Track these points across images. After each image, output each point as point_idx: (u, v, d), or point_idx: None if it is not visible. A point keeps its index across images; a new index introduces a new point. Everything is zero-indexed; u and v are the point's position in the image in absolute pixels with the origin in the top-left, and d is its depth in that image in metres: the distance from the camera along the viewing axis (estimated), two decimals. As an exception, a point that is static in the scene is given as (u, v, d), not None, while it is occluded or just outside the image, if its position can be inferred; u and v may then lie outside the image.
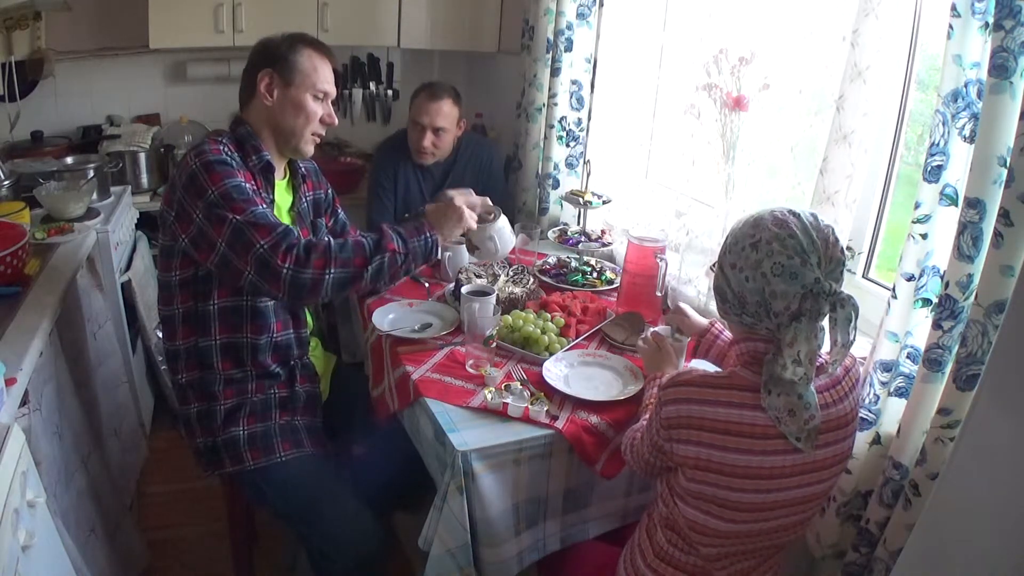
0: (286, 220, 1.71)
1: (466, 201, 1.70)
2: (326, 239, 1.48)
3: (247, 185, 1.50)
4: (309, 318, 1.79)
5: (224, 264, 1.47)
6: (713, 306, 1.72)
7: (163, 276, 1.59)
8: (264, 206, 1.49)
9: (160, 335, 2.53)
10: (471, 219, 1.68)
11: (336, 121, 1.69)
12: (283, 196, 1.71)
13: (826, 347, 1.10)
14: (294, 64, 1.59)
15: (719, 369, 1.51)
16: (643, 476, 1.30)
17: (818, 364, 1.11)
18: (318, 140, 1.69)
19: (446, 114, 2.41)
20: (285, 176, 1.73)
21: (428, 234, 1.58)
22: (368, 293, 1.91)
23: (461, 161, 2.58)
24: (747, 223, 1.12)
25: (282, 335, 1.65)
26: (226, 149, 1.53)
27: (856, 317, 1.05)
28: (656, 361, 1.48)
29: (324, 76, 1.62)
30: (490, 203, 1.76)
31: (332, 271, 1.45)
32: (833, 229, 1.08)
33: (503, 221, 1.75)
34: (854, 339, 1.07)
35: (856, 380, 1.21)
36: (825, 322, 1.07)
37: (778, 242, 1.05)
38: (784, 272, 1.04)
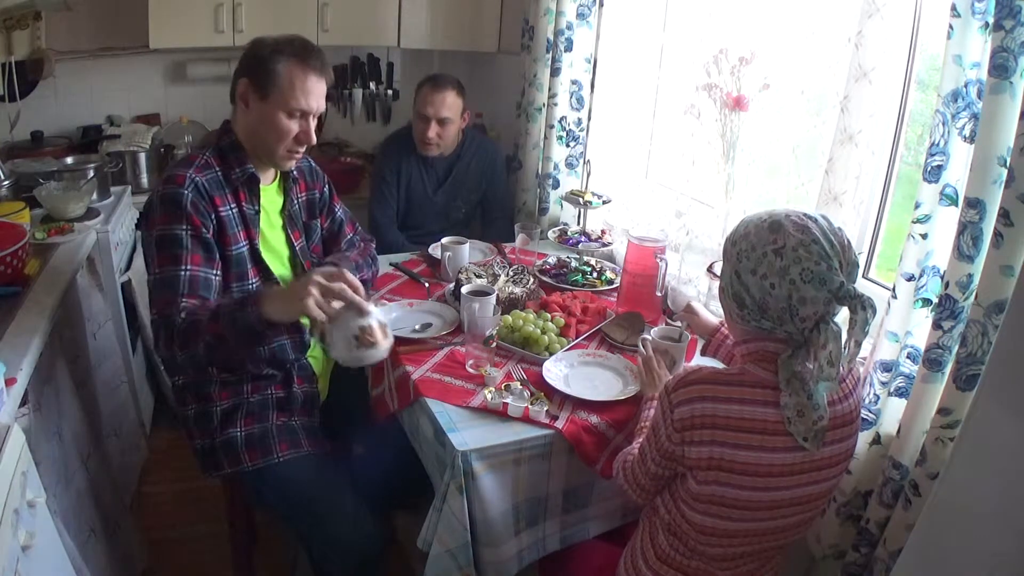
0: (277, 224, 1.68)
1: (329, 278, 1.34)
2: (178, 319, 1.39)
3: (187, 235, 1.46)
4: (306, 319, 1.77)
5: None
6: (715, 305, 1.72)
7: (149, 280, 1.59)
8: (188, 268, 1.44)
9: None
10: (315, 308, 1.30)
11: (314, 140, 1.58)
12: (272, 200, 1.68)
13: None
14: (271, 76, 1.50)
15: (725, 367, 1.51)
16: (640, 497, 1.28)
17: None
18: (297, 156, 1.61)
19: (450, 105, 2.42)
20: (275, 179, 1.70)
21: (250, 309, 1.34)
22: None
23: (465, 157, 2.59)
24: (762, 227, 1.09)
25: (276, 342, 1.63)
26: (195, 173, 1.50)
27: (874, 317, 1.05)
28: (651, 384, 1.47)
29: (302, 92, 1.51)
30: (361, 304, 1.35)
31: (180, 353, 1.40)
32: (844, 231, 1.09)
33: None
34: (866, 335, 1.07)
35: (857, 379, 1.21)
36: (843, 322, 1.07)
37: (803, 248, 1.04)
38: (814, 278, 1.04)
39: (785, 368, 1.09)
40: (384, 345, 1.36)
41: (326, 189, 1.84)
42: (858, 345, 1.07)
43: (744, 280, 1.10)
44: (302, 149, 1.61)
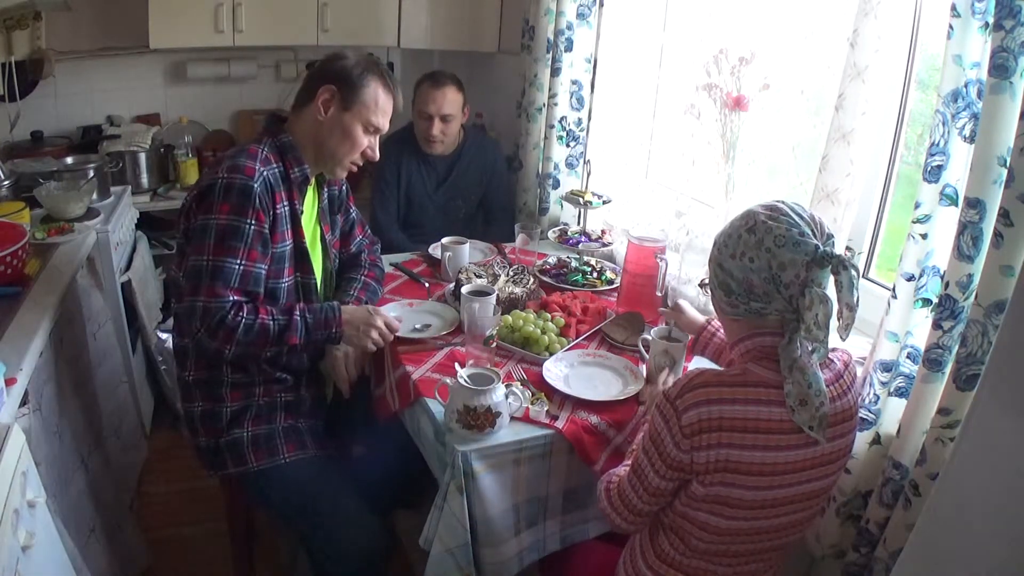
0: (312, 220, 1.71)
1: (381, 329, 1.61)
2: (240, 318, 1.47)
3: (251, 229, 1.48)
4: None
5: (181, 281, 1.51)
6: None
7: (176, 273, 1.59)
8: (242, 263, 1.48)
9: (160, 336, 2.53)
10: (370, 345, 1.61)
11: (377, 156, 1.68)
12: (310, 199, 1.71)
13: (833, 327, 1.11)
14: (359, 91, 1.58)
15: (716, 366, 1.51)
16: (628, 522, 1.23)
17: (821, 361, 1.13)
18: (354, 168, 1.68)
19: (452, 100, 2.43)
20: (313, 181, 1.73)
21: (335, 330, 1.58)
22: None
23: (466, 157, 2.59)
24: (736, 219, 1.16)
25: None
26: (263, 165, 1.52)
27: (859, 277, 1.08)
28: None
29: (382, 112, 1.62)
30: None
31: (233, 348, 1.48)
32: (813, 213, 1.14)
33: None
34: (858, 302, 1.08)
35: (855, 376, 1.22)
36: (831, 290, 1.09)
37: (773, 220, 1.09)
38: (787, 241, 1.07)
39: (786, 356, 1.10)
40: (489, 430, 1.35)
41: (344, 188, 1.87)
42: (851, 309, 1.08)
43: (727, 267, 1.14)
44: (361, 163, 1.67)
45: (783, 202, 1.13)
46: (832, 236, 1.12)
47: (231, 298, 1.47)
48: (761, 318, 1.13)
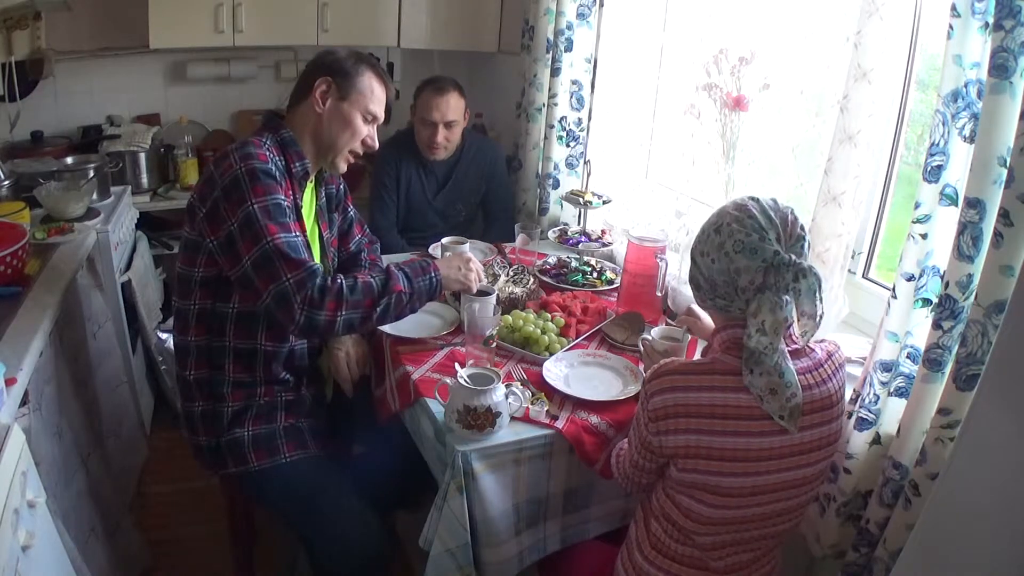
0: (311, 217, 1.72)
1: (477, 266, 1.70)
2: (339, 281, 1.46)
3: (287, 204, 1.49)
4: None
5: (245, 281, 1.46)
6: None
7: (183, 269, 1.57)
8: (298, 233, 1.48)
9: (160, 336, 2.53)
10: (474, 283, 1.67)
11: (376, 145, 1.70)
12: (309, 197, 1.71)
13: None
14: (354, 80, 1.61)
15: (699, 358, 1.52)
16: (625, 484, 1.31)
17: (797, 347, 1.15)
18: (352, 160, 1.69)
19: (454, 107, 2.41)
20: (311, 177, 1.73)
21: (433, 274, 1.60)
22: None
23: (465, 160, 2.58)
24: (711, 216, 1.18)
25: (299, 343, 1.66)
26: (270, 154, 1.53)
27: (820, 288, 1.08)
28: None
29: (378, 100, 1.65)
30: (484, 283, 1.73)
31: (343, 313, 1.45)
32: (792, 210, 1.14)
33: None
34: (822, 312, 1.09)
35: (839, 364, 1.22)
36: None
37: (737, 223, 1.11)
38: (744, 248, 1.09)
39: (745, 349, 1.11)
40: (488, 430, 1.35)
41: (342, 187, 1.88)
42: (810, 317, 1.09)
43: (697, 263, 1.17)
44: (361, 153, 1.69)
45: (756, 200, 1.13)
46: (802, 239, 1.12)
47: (313, 264, 1.46)
48: (728, 313, 1.16)
